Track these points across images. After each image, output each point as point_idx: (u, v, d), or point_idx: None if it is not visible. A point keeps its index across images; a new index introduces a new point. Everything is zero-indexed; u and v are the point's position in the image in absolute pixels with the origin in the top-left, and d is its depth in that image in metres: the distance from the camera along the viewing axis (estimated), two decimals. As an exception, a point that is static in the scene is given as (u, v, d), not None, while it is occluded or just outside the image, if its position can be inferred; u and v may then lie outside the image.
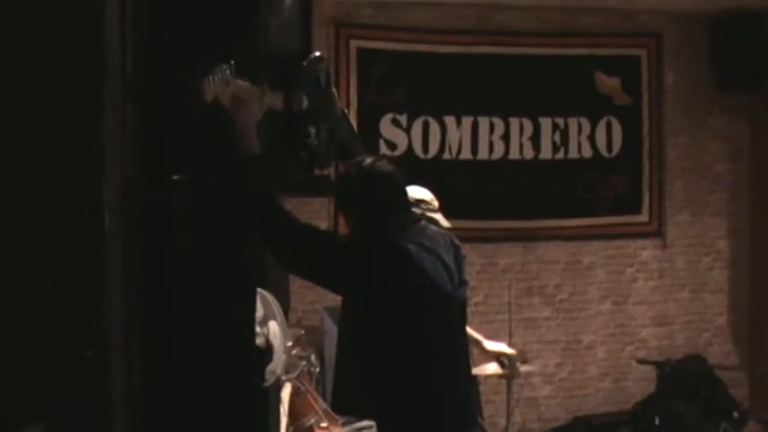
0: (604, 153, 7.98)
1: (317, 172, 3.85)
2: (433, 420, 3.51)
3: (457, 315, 3.64)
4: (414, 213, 3.73)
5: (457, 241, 3.73)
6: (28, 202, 2.45)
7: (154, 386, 2.86)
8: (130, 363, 2.69)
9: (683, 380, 7.42)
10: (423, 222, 3.69)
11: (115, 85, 2.55)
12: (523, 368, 5.56)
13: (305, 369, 5.12)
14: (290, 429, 4.61)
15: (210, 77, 2.81)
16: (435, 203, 4.97)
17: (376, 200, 3.51)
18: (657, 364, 6.41)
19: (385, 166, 3.63)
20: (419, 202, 4.66)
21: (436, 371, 3.52)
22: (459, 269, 3.63)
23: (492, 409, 6.99)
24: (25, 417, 2.31)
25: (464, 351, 3.80)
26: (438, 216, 4.80)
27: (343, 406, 3.88)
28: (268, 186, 3.26)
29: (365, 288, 3.43)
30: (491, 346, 5.35)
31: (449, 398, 3.56)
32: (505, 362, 5.37)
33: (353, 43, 7.44)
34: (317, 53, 3.79)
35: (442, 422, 3.53)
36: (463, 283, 3.63)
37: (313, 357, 5.43)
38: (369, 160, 3.59)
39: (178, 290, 2.93)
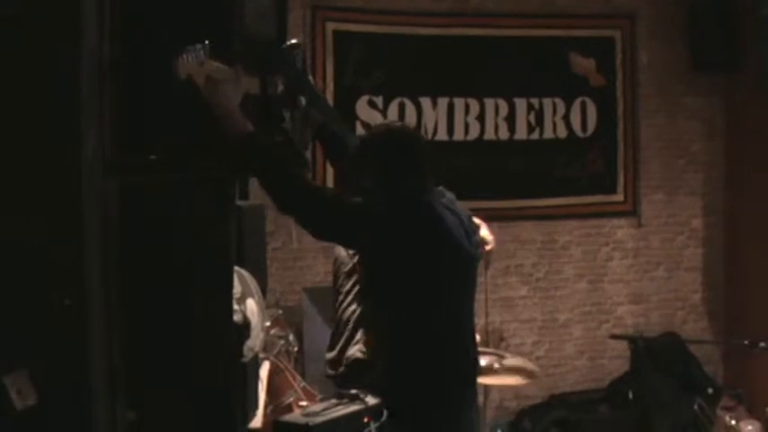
0: (579, 133, 8.04)
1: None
2: (442, 376, 3.61)
3: (472, 274, 3.72)
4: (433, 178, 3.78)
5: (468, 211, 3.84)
6: (8, 178, 2.51)
7: (133, 361, 2.91)
8: (109, 336, 2.74)
9: (658, 356, 7.50)
10: (440, 187, 3.76)
11: (92, 63, 2.59)
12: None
13: (283, 348, 5.18)
14: (269, 407, 4.66)
15: (184, 56, 2.84)
16: None
17: (406, 160, 3.55)
18: (631, 339, 6.48)
19: (412, 129, 3.67)
20: None
21: (453, 328, 3.60)
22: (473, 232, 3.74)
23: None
24: (11, 362, 2.41)
25: (473, 313, 3.88)
26: None
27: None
28: (275, 159, 3.29)
29: (392, 248, 3.46)
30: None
31: (460, 355, 3.65)
32: None
33: (330, 26, 7.46)
34: (294, 40, 3.84)
35: (450, 378, 3.63)
36: (475, 243, 3.73)
37: (291, 337, 5.49)
38: (397, 123, 3.63)
39: (155, 267, 2.99)
